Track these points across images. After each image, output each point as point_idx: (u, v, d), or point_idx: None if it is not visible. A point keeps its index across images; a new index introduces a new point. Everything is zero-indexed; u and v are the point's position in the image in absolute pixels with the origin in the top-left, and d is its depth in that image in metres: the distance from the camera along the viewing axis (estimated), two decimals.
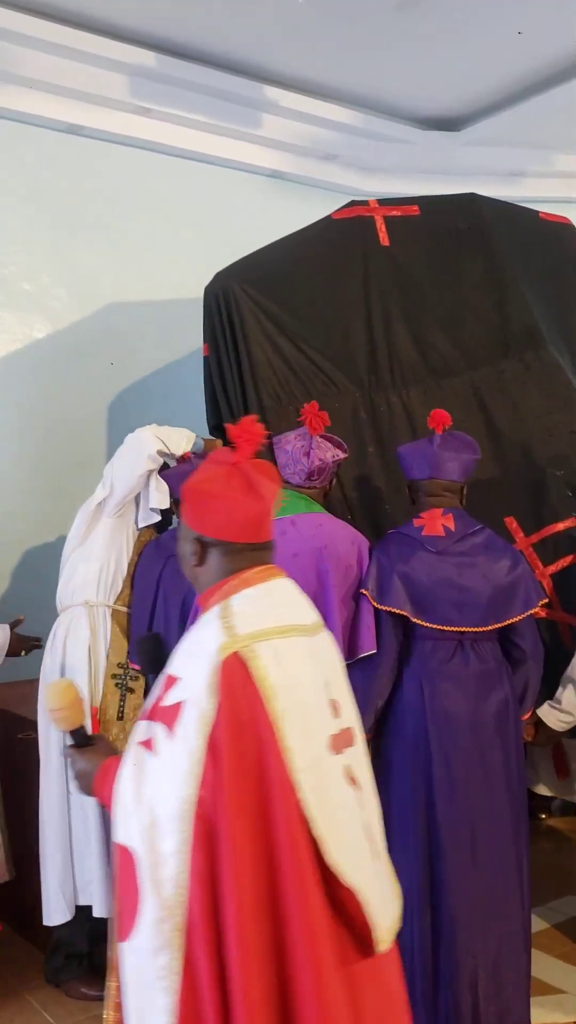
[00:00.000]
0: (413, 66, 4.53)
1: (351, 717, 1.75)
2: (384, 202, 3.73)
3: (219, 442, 3.50)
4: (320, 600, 2.79)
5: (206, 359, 3.62)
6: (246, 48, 4.38)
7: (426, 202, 3.79)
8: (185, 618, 3.06)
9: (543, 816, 4.53)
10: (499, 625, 2.82)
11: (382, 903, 1.64)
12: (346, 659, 2.76)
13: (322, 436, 3.03)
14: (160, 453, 3.22)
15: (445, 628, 2.81)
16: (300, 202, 4.93)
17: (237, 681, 1.57)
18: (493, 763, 2.76)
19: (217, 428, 3.62)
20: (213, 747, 1.54)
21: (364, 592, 2.86)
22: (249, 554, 1.76)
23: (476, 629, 2.80)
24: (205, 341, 3.60)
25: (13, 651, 3.23)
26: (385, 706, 2.87)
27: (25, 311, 4.31)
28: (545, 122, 4.95)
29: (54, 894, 3.08)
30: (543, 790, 4.19)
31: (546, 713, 3.09)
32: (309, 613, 1.78)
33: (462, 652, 2.83)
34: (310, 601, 1.84)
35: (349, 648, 2.82)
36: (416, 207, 3.72)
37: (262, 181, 4.93)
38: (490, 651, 2.85)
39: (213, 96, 4.55)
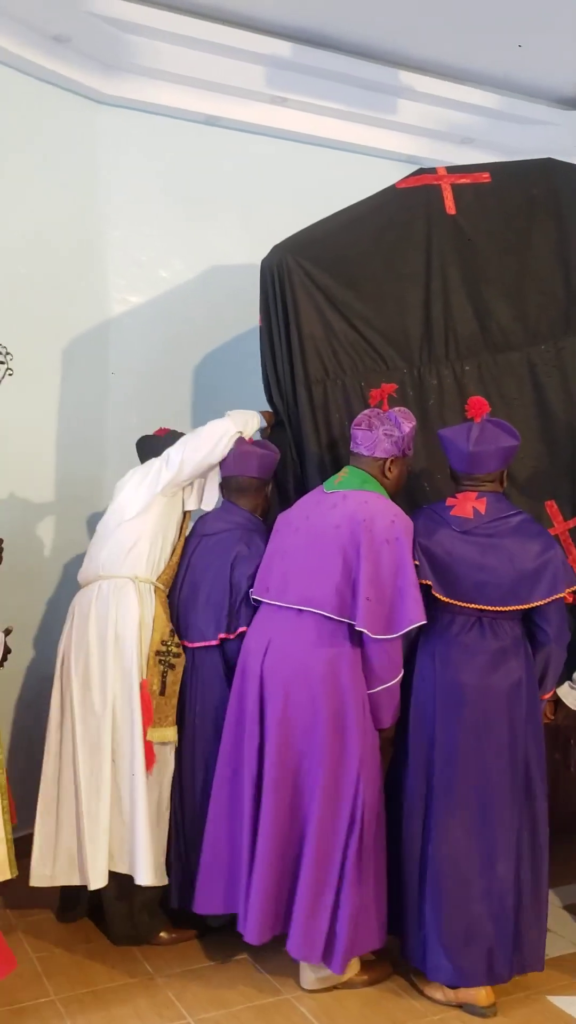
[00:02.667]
0: (554, 42, 4.39)
1: None
2: (453, 169, 3.66)
3: (271, 415, 3.60)
4: (354, 569, 2.94)
5: (260, 330, 3.68)
6: (381, 34, 4.39)
7: (499, 168, 3.68)
8: (219, 595, 3.22)
9: None
10: (520, 607, 2.92)
11: None
12: (385, 632, 2.91)
13: (395, 413, 3.14)
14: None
15: (465, 604, 2.94)
16: None
17: None
18: (498, 736, 2.90)
19: (272, 399, 3.69)
20: None
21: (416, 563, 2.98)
22: None
23: (495, 609, 2.92)
24: (260, 313, 3.66)
25: None
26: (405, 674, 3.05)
27: (159, 297, 4.48)
28: None
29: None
30: None
31: (565, 693, 3.14)
32: None
33: (479, 627, 2.96)
34: None
35: (390, 620, 2.92)
36: (487, 174, 3.62)
37: (398, 167, 4.88)
38: (508, 629, 2.96)
39: (348, 84, 4.58)
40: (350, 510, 3.00)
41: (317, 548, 3.00)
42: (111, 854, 3.19)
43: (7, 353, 3.42)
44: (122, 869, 3.20)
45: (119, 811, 3.21)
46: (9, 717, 3.97)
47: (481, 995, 2.96)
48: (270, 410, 3.63)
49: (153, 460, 3.48)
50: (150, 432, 4.18)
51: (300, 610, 2.99)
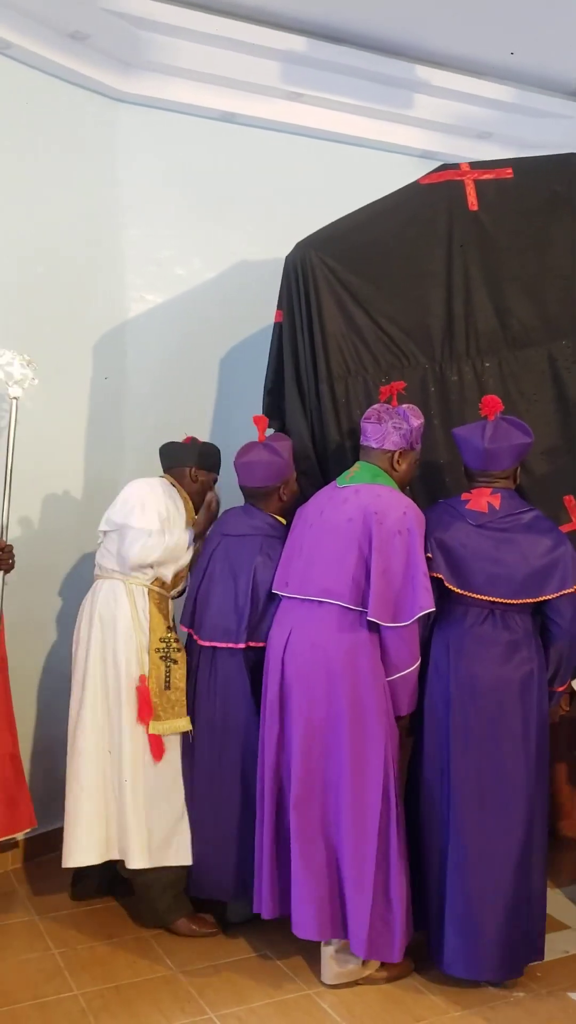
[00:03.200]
0: (570, 35, 4.37)
1: None
2: (477, 165, 3.68)
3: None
4: (367, 560, 3.02)
5: (277, 325, 3.73)
6: (397, 28, 4.37)
7: (521, 164, 3.70)
8: (235, 600, 3.27)
9: None
10: (530, 600, 3.01)
11: None
12: (394, 621, 3.00)
13: (404, 408, 3.23)
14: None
15: (477, 596, 3.02)
16: None
17: None
18: (512, 727, 2.98)
19: (271, 392, 3.75)
20: None
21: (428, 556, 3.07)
22: None
23: (506, 601, 3.00)
24: (279, 308, 3.70)
25: None
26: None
27: (177, 295, 4.49)
28: None
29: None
30: None
31: None
32: None
33: (492, 619, 3.04)
34: None
35: (399, 609, 3.00)
36: (510, 169, 3.64)
37: (415, 162, 4.89)
38: (520, 623, 3.05)
39: (364, 79, 4.57)
40: (362, 503, 3.08)
41: (332, 541, 3.08)
42: (108, 842, 3.32)
43: (31, 362, 3.44)
44: (114, 856, 3.32)
45: (112, 800, 3.32)
46: (32, 711, 4.01)
47: None
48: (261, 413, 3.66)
49: (139, 497, 3.45)
50: (167, 432, 4.19)
51: (320, 602, 3.07)
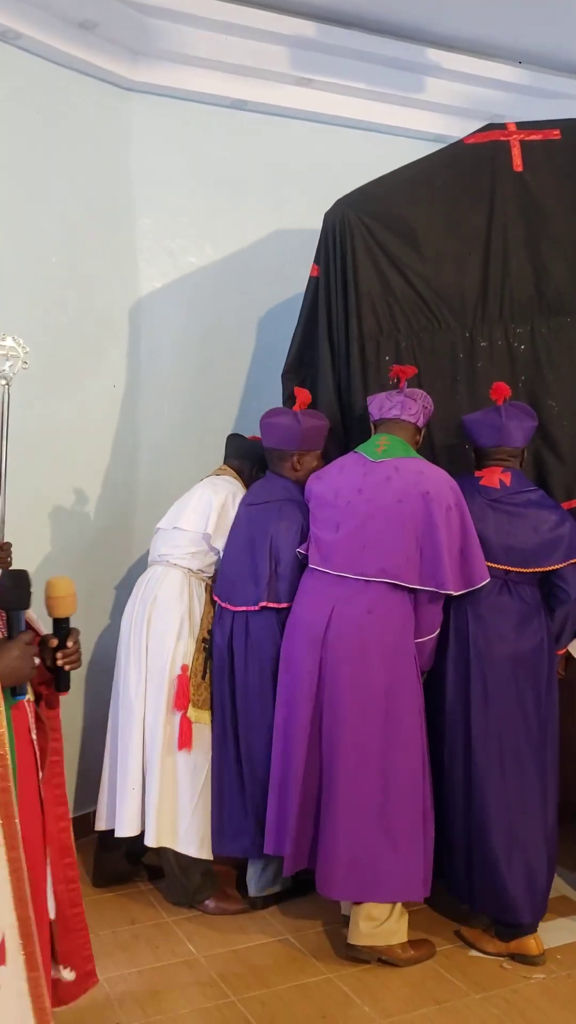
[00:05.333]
0: None
1: None
2: (523, 125, 3.60)
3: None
4: (429, 541, 3.11)
5: (313, 279, 3.68)
6: (407, 11, 4.34)
7: (570, 125, 3.62)
8: (260, 566, 3.32)
9: None
10: (539, 569, 3.22)
11: None
12: (465, 588, 3.16)
13: (424, 393, 3.38)
14: None
15: (493, 565, 3.18)
16: None
17: None
18: (524, 690, 3.18)
19: (301, 344, 3.73)
20: None
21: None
22: None
23: (519, 570, 3.20)
24: (316, 263, 3.66)
25: None
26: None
27: (191, 283, 4.48)
28: None
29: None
30: None
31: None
32: None
33: (507, 590, 3.22)
34: None
35: (467, 577, 3.16)
36: (558, 131, 3.56)
37: (426, 146, 4.83)
38: (530, 593, 3.25)
39: (374, 63, 4.55)
40: (409, 483, 3.15)
41: (385, 522, 3.13)
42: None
43: (23, 347, 3.37)
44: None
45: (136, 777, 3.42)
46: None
47: (532, 944, 3.13)
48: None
49: (217, 489, 3.56)
50: (182, 420, 4.22)
51: (367, 580, 3.13)
